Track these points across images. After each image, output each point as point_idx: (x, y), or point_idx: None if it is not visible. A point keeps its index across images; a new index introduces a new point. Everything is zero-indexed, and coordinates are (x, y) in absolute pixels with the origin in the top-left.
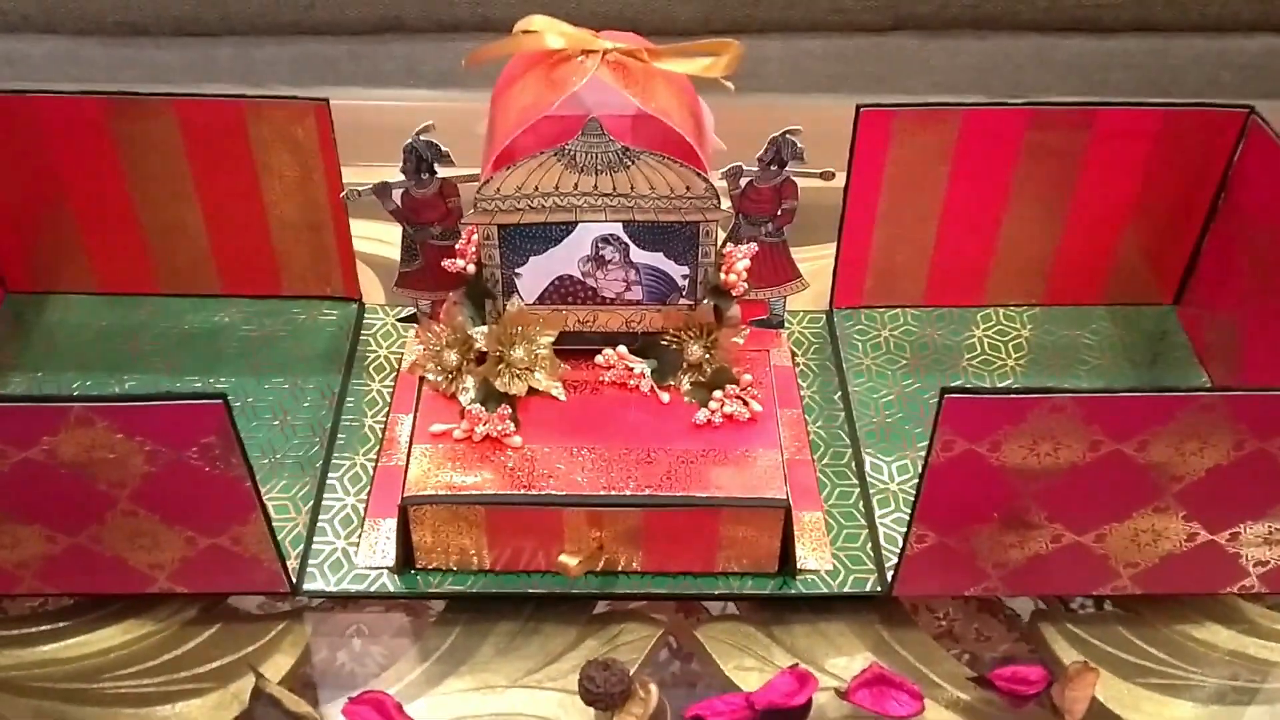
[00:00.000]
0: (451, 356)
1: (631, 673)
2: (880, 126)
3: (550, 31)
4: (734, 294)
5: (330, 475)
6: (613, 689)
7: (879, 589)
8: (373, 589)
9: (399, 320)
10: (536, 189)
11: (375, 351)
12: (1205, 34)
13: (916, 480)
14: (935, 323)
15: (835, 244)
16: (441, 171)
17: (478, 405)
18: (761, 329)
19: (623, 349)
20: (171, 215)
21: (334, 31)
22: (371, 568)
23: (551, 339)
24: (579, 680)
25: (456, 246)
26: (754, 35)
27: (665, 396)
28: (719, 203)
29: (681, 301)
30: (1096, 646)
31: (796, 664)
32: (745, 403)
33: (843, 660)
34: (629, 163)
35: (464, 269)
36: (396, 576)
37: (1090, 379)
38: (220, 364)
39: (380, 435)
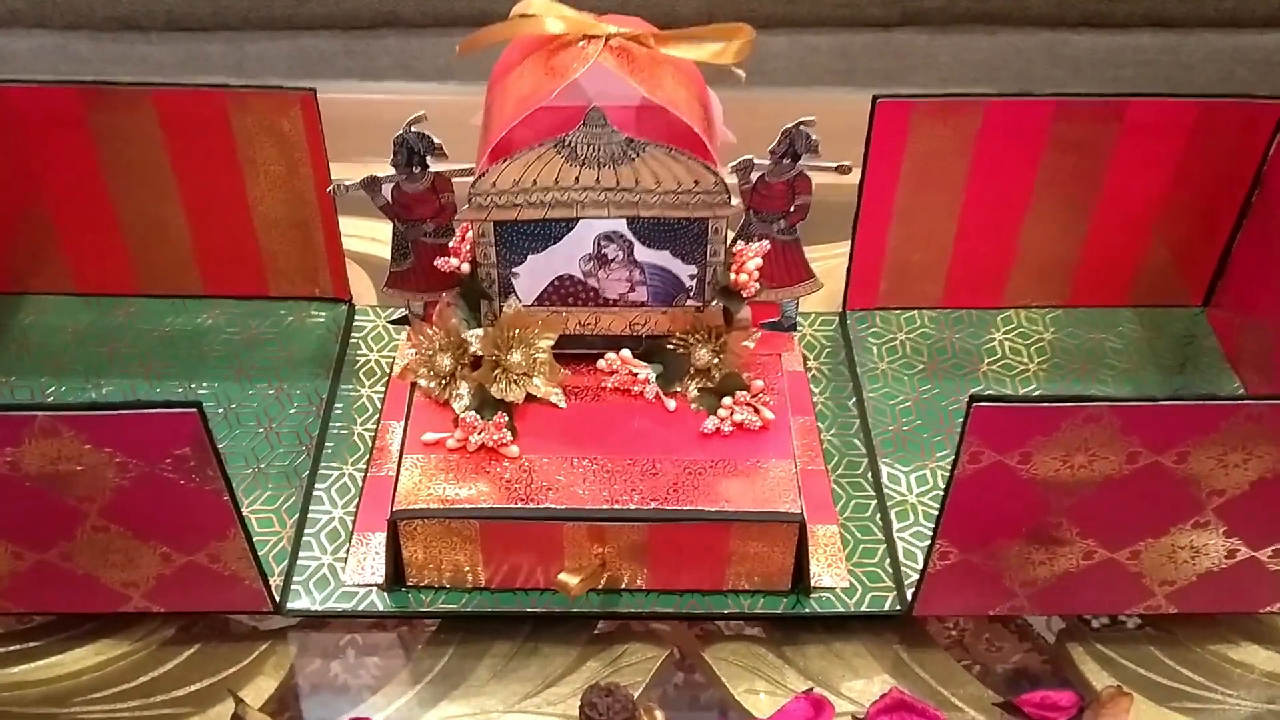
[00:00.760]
0: (445, 361)
1: (635, 697)
2: (898, 118)
3: (549, 15)
4: (745, 295)
5: (317, 486)
6: (615, 715)
7: (898, 608)
8: (361, 607)
9: (390, 323)
10: (535, 183)
11: (366, 355)
12: (1220, 29)
13: (937, 492)
14: (953, 325)
15: (849, 243)
16: (434, 165)
17: (472, 413)
18: (772, 332)
19: (626, 353)
20: (151, 212)
21: (328, 26)
22: (360, 585)
23: (551, 342)
24: (580, 705)
25: (450, 245)
26: (758, 30)
27: (671, 404)
28: (729, 198)
29: (689, 303)
30: (1127, 668)
31: (811, 688)
32: (756, 410)
33: (859, 683)
34: (634, 155)
35: (458, 269)
36: (386, 594)
37: (1116, 384)
38: (202, 368)
39: (370, 444)
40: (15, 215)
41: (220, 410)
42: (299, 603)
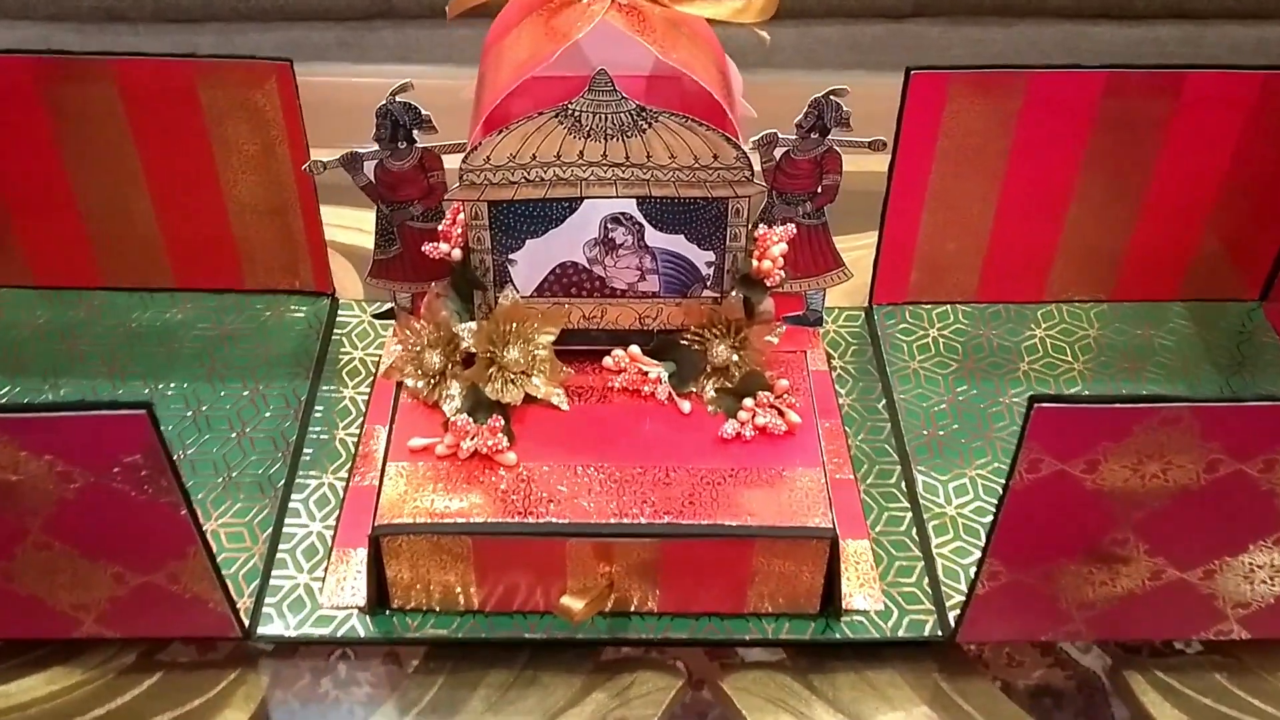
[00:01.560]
0: (434, 358)
1: None
2: (933, 93)
3: None
4: (768, 284)
5: (293, 497)
6: None
7: (940, 633)
8: (340, 633)
9: (375, 317)
10: (534, 157)
11: (349, 353)
12: (1241, 21)
13: (979, 504)
14: (990, 321)
15: (876, 232)
16: (422, 140)
17: (464, 416)
18: (796, 327)
19: (635, 349)
20: (115, 197)
21: (322, 17)
22: (339, 608)
23: (551, 338)
24: None
25: (440, 228)
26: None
27: (686, 406)
28: (752, 174)
29: (705, 293)
30: (1193, 699)
31: None
32: (781, 413)
33: (895, 716)
34: (645, 125)
35: (448, 255)
36: (369, 618)
37: (1169, 383)
38: (171, 367)
39: (353, 450)
40: None
41: (189, 413)
42: (271, 627)
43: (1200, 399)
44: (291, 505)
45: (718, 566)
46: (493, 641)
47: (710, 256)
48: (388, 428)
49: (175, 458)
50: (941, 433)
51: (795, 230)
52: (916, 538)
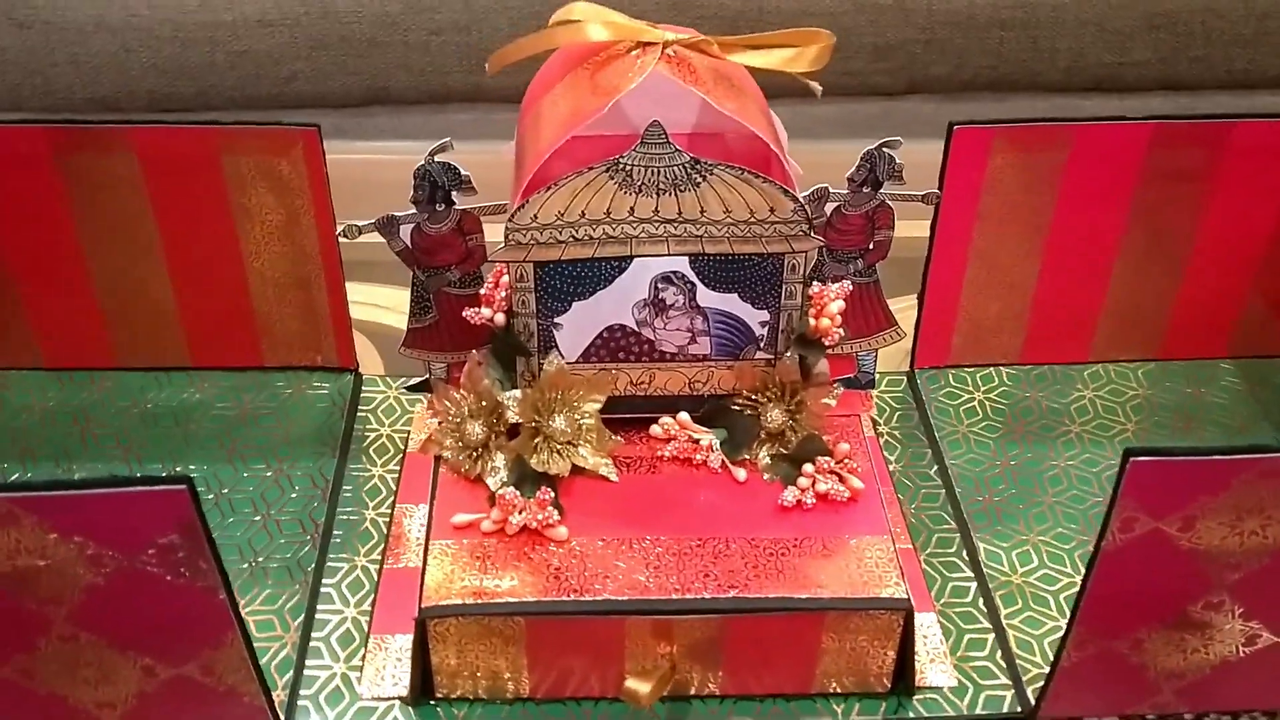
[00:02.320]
0: (476, 429)
1: None
2: (977, 148)
3: (594, 21)
4: (826, 344)
5: (325, 582)
6: None
7: (1019, 709)
8: None
9: (408, 389)
10: (583, 215)
11: (375, 430)
12: (1232, 91)
13: (1044, 571)
14: (1035, 383)
15: (914, 295)
16: (461, 202)
17: (511, 489)
18: (846, 390)
19: (684, 416)
20: (131, 272)
21: (316, 104)
22: (380, 699)
23: (598, 405)
24: None
25: (481, 293)
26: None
27: (741, 473)
28: (810, 228)
29: (758, 355)
30: None
31: None
32: (842, 479)
33: None
34: (699, 179)
35: (490, 320)
36: (412, 710)
37: (1229, 442)
38: (190, 449)
39: (385, 531)
40: None
41: (211, 496)
42: None
43: None
44: (323, 590)
45: (784, 643)
46: None
47: (764, 316)
48: (427, 505)
49: None
50: (997, 499)
51: (851, 287)
52: (985, 609)
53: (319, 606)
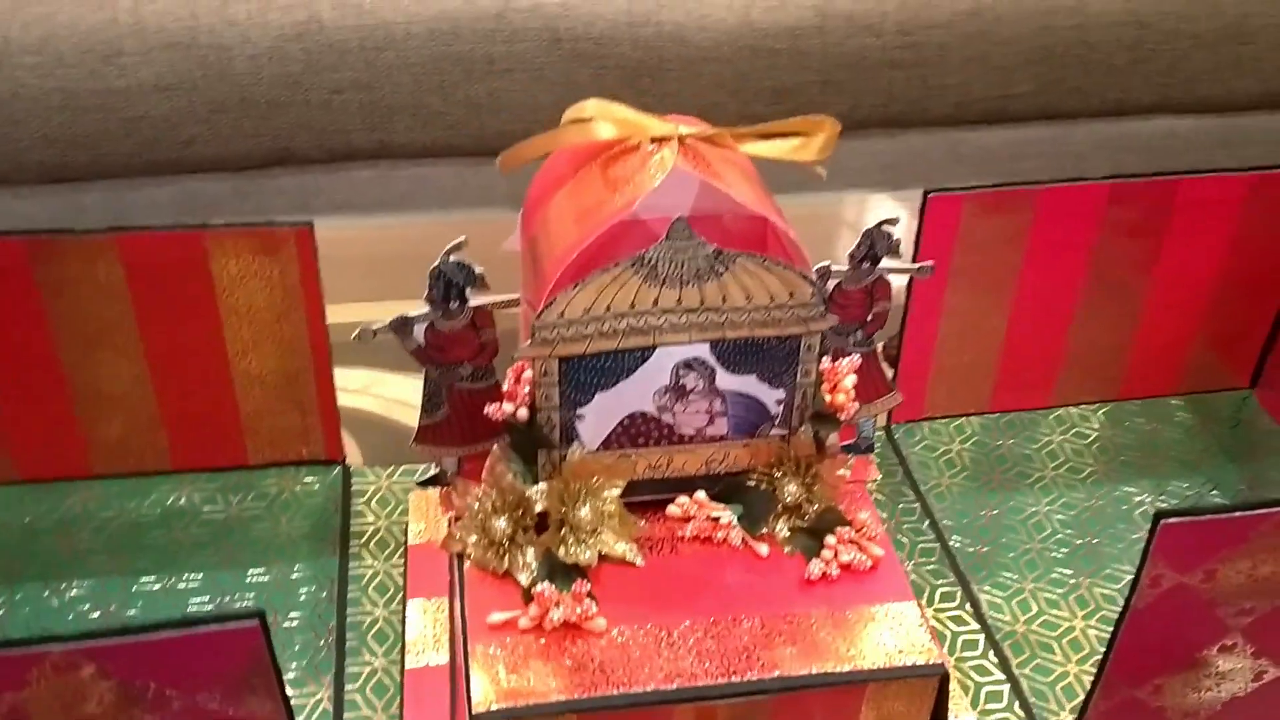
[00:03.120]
0: (502, 524)
1: None
2: (949, 213)
3: (602, 119)
4: (841, 417)
5: (347, 688)
6: None
7: None
8: None
9: (420, 484)
10: (608, 309)
11: (372, 524)
12: (1106, 119)
13: (1046, 617)
14: (1005, 430)
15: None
16: (474, 300)
17: (547, 584)
18: (846, 455)
19: (701, 495)
20: (110, 377)
21: (216, 168)
22: None
23: (618, 491)
24: None
25: (505, 389)
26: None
27: (763, 549)
28: (825, 309)
29: (773, 432)
30: None
31: None
32: (861, 548)
33: None
34: (722, 269)
35: (513, 415)
36: None
37: (1189, 478)
38: (184, 557)
39: (400, 629)
40: None
41: (212, 605)
42: None
43: None
44: (348, 697)
45: (829, 714)
46: None
47: (780, 394)
48: (456, 602)
49: None
50: (987, 548)
51: (860, 360)
52: (996, 660)
53: (346, 715)
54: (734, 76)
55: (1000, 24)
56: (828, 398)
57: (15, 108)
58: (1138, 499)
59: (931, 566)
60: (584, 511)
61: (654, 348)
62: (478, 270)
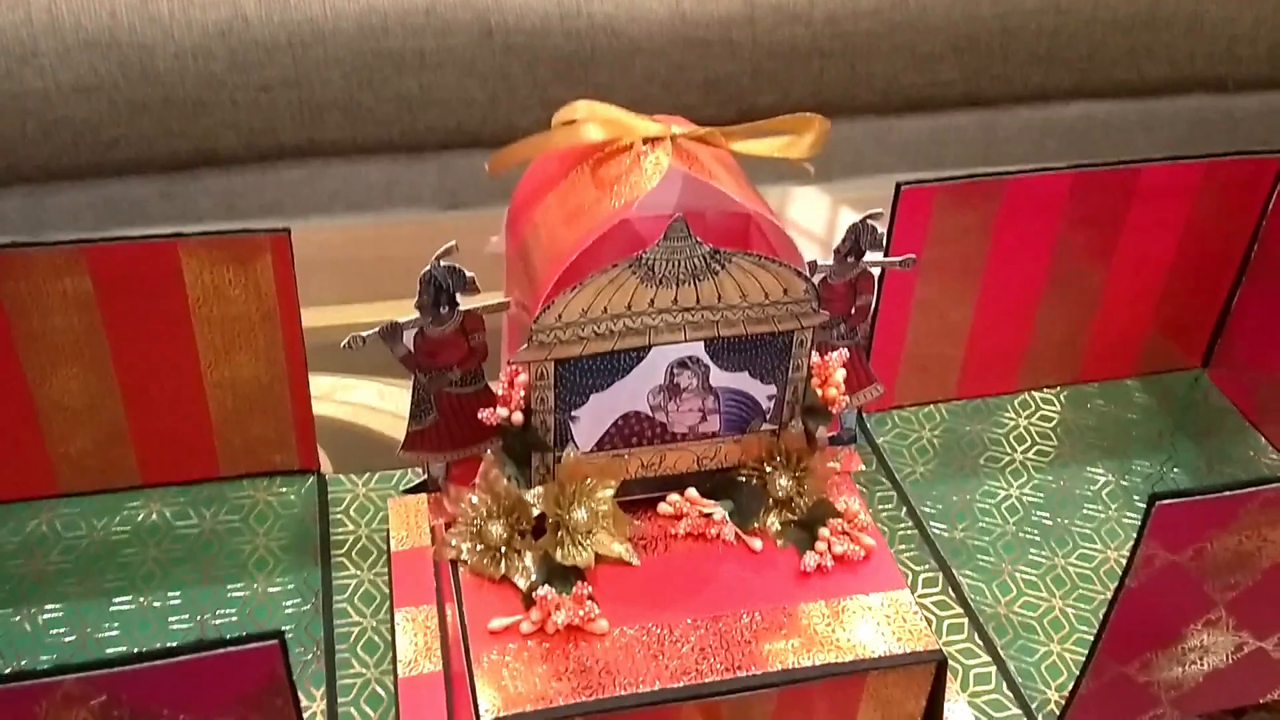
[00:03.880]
0: (498, 530)
1: None
2: (921, 205)
3: (592, 120)
4: (833, 410)
5: (340, 701)
6: None
7: None
8: None
9: (406, 491)
10: (605, 310)
11: (352, 532)
12: (1028, 104)
13: (1026, 599)
14: (972, 416)
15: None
16: (464, 303)
17: (546, 587)
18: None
19: (692, 492)
20: (77, 391)
21: (140, 170)
22: None
23: (612, 491)
24: None
25: (499, 393)
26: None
27: (757, 543)
28: (818, 304)
29: (764, 427)
30: None
31: None
32: (853, 539)
33: None
34: (718, 268)
35: (508, 420)
36: None
37: (1151, 456)
38: (161, 574)
39: (389, 638)
40: None
41: (193, 624)
42: None
43: None
44: (342, 710)
45: (831, 705)
46: None
47: (771, 390)
48: (454, 609)
49: None
50: (963, 533)
51: (848, 354)
52: (982, 642)
53: None
54: (666, 67)
55: (926, 13)
56: (819, 392)
57: None
58: (1103, 479)
59: (912, 553)
60: (579, 513)
61: (649, 347)
62: (468, 275)
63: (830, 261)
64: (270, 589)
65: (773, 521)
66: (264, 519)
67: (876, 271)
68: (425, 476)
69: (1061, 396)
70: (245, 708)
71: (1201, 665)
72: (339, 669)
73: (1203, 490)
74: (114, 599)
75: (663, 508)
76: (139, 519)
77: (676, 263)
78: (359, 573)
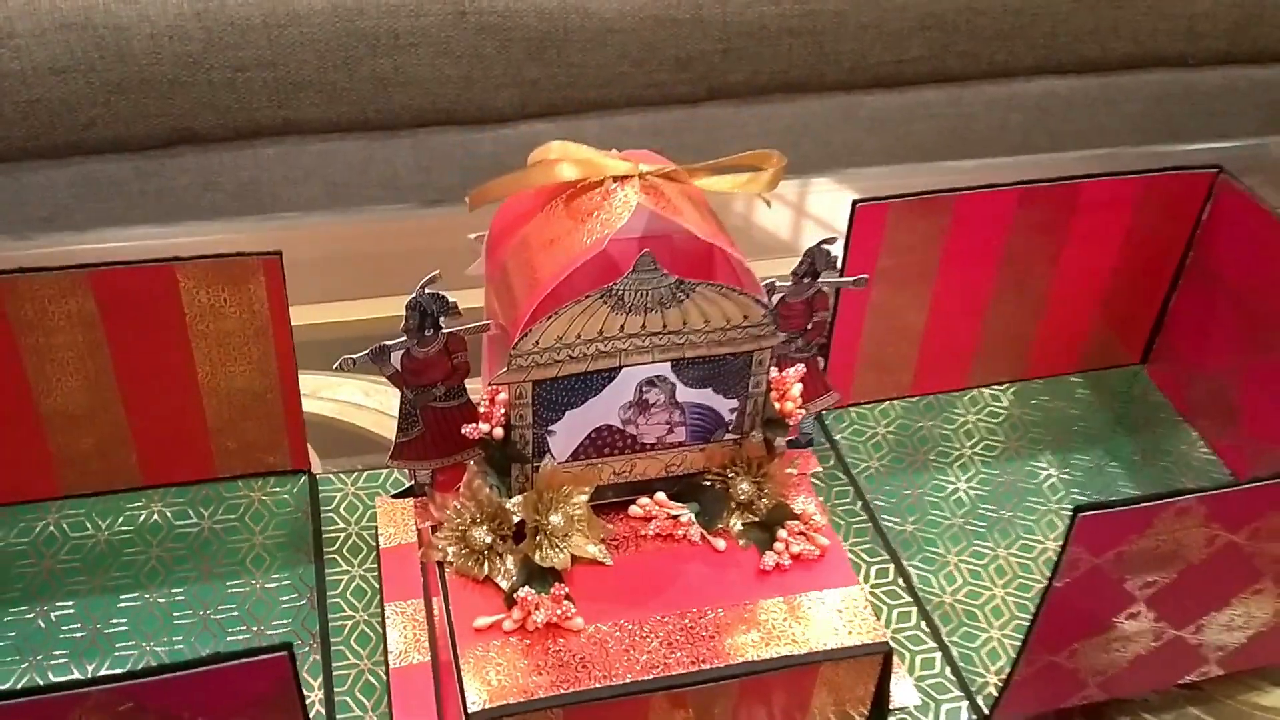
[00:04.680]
0: (481, 535)
1: None
2: (875, 220)
3: (566, 160)
4: (790, 421)
5: (337, 692)
6: None
7: (974, 717)
8: None
9: (395, 496)
10: (579, 336)
11: (343, 530)
12: (994, 80)
13: (970, 588)
14: (925, 412)
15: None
16: (447, 326)
17: (526, 588)
18: (790, 450)
19: (661, 496)
20: (81, 400)
21: (118, 149)
22: None
23: (586, 497)
24: None
25: (481, 410)
26: (570, 116)
27: (720, 544)
28: (775, 328)
29: (727, 437)
30: None
31: None
32: (809, 539)
33: None
34: (683, 296)
35: (489, 434)
36: None
37: (1091, 451)
38: (163, 572)
39: (381, 631)
40: None
41: (194, 620)
42: None
43: (1207, 489)
44: (338, 699)
45: (787, 695)
46: None
47: (734, 404)
48: (441, 608)
49: None
50: (913, 526)
51: (805, 369)
52: (928, 630)
53: (339, 716)
54: (638, 46)
55: None
56: (777, 405)
57: None
58: (1045, 473)
59: (866, 545)
60: (556, 518)
61: (620, 368)
62: (451, 300)
63: (788, 283)
64: (267, 585)
65: (735, 523)
66: (259, 518)
67: (831, 291)
68: (412, 482)
69: (1009, 393)
70: (258, 711)
71: (1125, 652)
72: (334, 661)
73: (1119, 502)
74: (121, 596)
75: (633, 510)
76: (141, 519)
77: (645, 292)
78: (350, 569)
